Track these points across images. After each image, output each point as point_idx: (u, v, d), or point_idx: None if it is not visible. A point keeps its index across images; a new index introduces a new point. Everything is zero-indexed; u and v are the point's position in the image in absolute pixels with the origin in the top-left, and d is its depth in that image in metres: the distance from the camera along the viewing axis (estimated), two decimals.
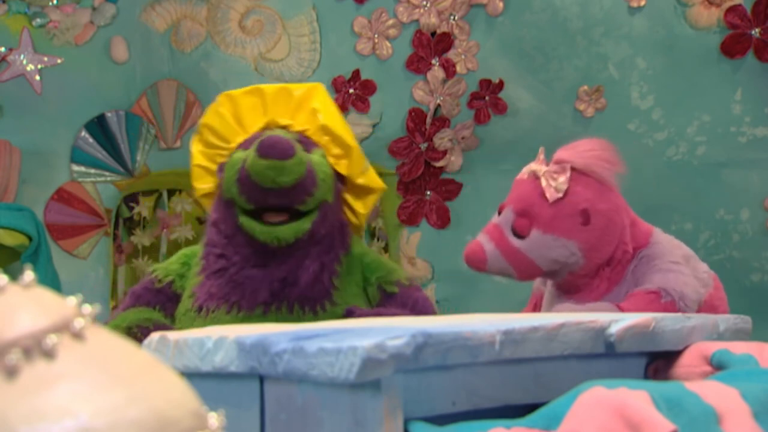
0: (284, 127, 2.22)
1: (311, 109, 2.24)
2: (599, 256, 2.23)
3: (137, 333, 2.06)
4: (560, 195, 2.20)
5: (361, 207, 2.32)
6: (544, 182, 2.21)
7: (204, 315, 2.14)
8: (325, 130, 2.23)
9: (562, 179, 2.20)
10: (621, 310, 2.06)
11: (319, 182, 2.13)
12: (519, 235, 2.21)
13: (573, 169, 2.22)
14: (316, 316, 2.13)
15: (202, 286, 2.18)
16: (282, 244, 2.14)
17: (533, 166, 2.27)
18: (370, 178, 2.31)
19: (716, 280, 2.36)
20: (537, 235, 2.20)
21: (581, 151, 2.25)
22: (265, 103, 2.24)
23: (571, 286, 2.28)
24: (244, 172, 2.09)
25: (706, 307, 2.24)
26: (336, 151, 2.24)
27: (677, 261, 2.25)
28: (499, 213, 2.27)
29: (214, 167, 2.26)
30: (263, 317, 2.12)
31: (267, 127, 2.22)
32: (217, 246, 2.20)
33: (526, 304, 2.50)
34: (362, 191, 2.31)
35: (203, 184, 2.30)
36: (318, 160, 2.17)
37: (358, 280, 2.24)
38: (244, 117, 2.24)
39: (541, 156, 2.27)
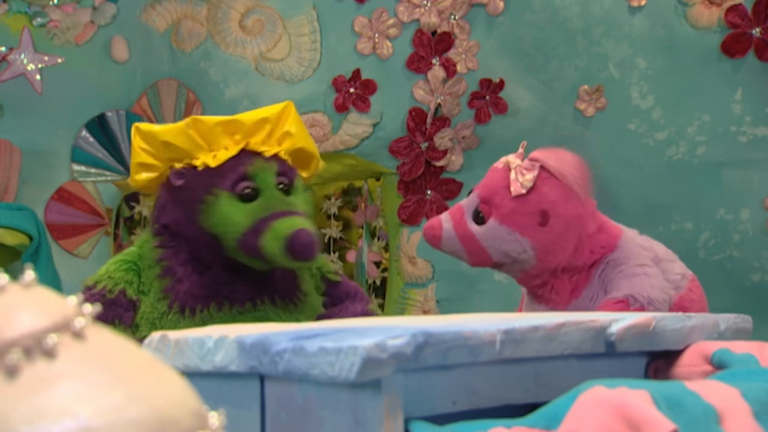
0: (259, 153, 2.19)
1: (285, 132, 2.22)
2: (552, 259, 2.25)
3: None
4: (523, 191, 2.23)
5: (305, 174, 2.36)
6: (512, 175, 2.25)
7: (190, 315, 2.12)
8: (300, 151, 2.25)
9: (530, 176, 2.23)
10: None
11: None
12: (478, 221, 2.26)
13: (543, 169, 2.24)
14: (296, 307, 2.17)
15: (178, 287, 2.15)
16: None
17: (510, 157, 2.31)
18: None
19: (694, 282, 2.37)
20: (494, 225, 2.24)
21: (559, 156, 2.28)
22: (245, 132, 2.20)
23: (538, 289, 2.30)
24: (258, 250, 2.08)
25: (675, 308, 2.24)
26: (302, 163, 2.27)
27: (643, 263, 2.25)
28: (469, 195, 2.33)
29: (158, 164, 2.19)
30: (254, 312, 2.13)
31: (243, 154, 2.17)
32: (185, 246, 2.17)
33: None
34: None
35: (143, 179, 2.22)
36: (307, 204, 2.20)
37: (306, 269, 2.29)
38: (213, 141, 2.17)
39: (521, 150, 2.31)
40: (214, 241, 2.13)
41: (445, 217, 2.32)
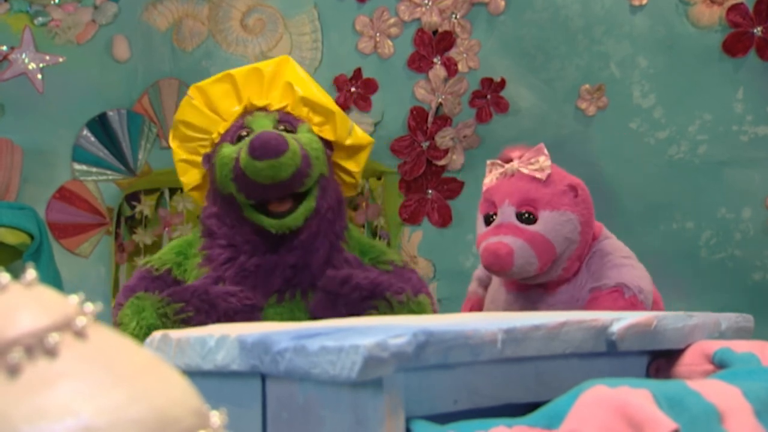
0: (262, 108, 2.22)
1: (285, 84, 2.23)
2: (588, 231, 2.27)
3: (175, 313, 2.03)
4: (549, 171, 2.24)
5: (353, 165, 2.34)
6: (526, 170, 2.25)
7: None
8: (305, 101, 2.23)
9: (543, 158, 2.25)
10: None
11: (313, 161, 2.13)
12: (530, 221, 2.22)
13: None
14: None
15: (209, 278, 2.16)
16: (293, 231, 2.14)
17: (497, 170, 2.31)
18: (356, 136, 2.32)
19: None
20: (547, 215, 2.21)
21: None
22: (237, 88, 2.24)
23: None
24: (240, 171, 2.08)
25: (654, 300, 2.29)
26: (318, 119, 2.25)
27: (628, 255, 2.29)
28: (487, 222, 2.27)
29: (197, 159, 2.26)
30: (278, 305, 2.12)
31: (246, 112, 2.22)
32: (221, 237, 2.19)
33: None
34: (352, 150, 2.32)
35: (190, 178, 2.31)
36: (307, 139, 2.17)
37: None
38: (218, 106, 2.24)
39: (516, 153, 2.31)
40: (231, 202, 2.15)
41: (499, 237, 2.20)
